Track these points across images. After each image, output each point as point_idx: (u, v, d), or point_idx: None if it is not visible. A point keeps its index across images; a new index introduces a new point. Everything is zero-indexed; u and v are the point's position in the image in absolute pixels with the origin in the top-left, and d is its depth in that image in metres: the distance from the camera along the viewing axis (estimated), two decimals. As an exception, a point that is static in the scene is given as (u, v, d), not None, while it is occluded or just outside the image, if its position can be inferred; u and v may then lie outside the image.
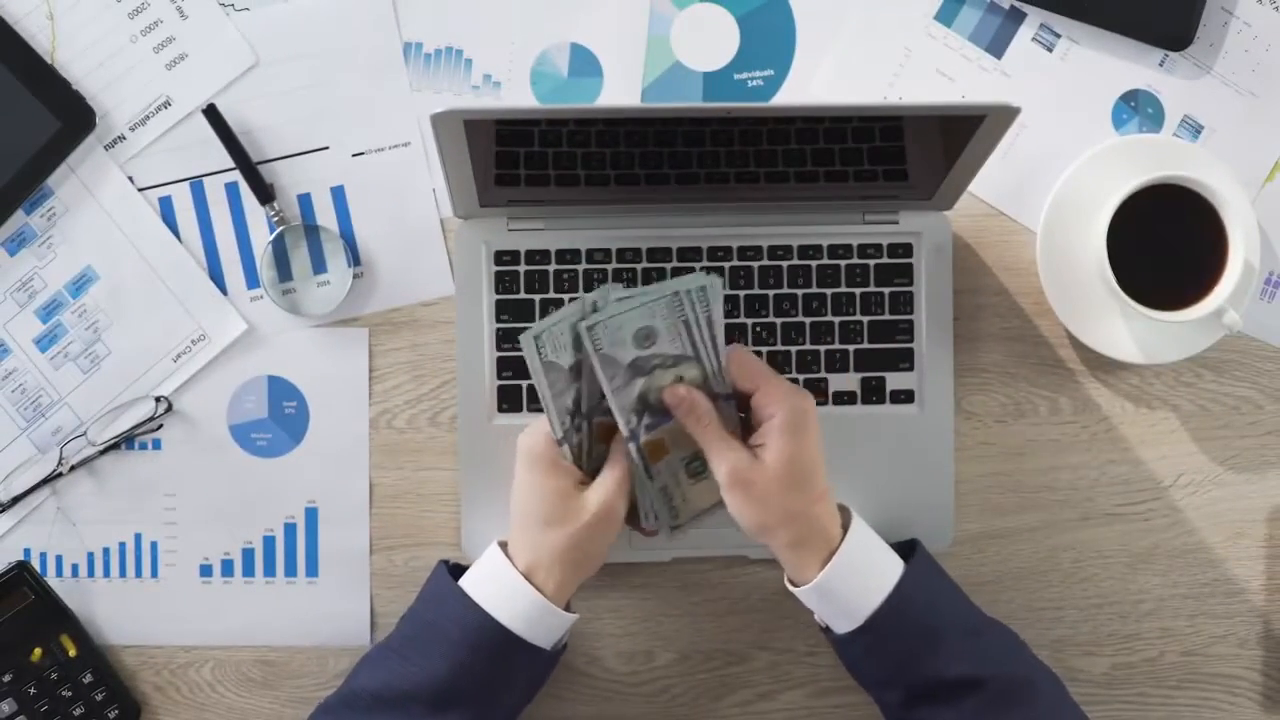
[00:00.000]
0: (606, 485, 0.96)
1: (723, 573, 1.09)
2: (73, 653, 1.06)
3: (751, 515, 0.94)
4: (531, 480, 0.96)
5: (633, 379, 0.95)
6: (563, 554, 0.95)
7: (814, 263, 1.07)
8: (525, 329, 0.93)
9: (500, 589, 0.96)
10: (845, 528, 0.96)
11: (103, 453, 1.07)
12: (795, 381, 1.06)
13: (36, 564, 1.07)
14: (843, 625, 0.96)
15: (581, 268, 1.06)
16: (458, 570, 0.99)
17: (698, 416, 0.95)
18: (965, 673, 0.95)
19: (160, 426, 1.07)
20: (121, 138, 1.07)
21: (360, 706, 0.96)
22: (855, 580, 0.95)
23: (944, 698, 0.95)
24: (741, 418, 0.97)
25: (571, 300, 0.98)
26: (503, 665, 0.95)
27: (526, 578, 0.95)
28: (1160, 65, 1.09)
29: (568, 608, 0.97)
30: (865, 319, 1.07)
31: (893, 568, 0.96)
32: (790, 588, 0.97)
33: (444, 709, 0.94)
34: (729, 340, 1.04)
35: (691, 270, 1.06)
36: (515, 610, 0.95)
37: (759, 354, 1.05)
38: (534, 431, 0.97)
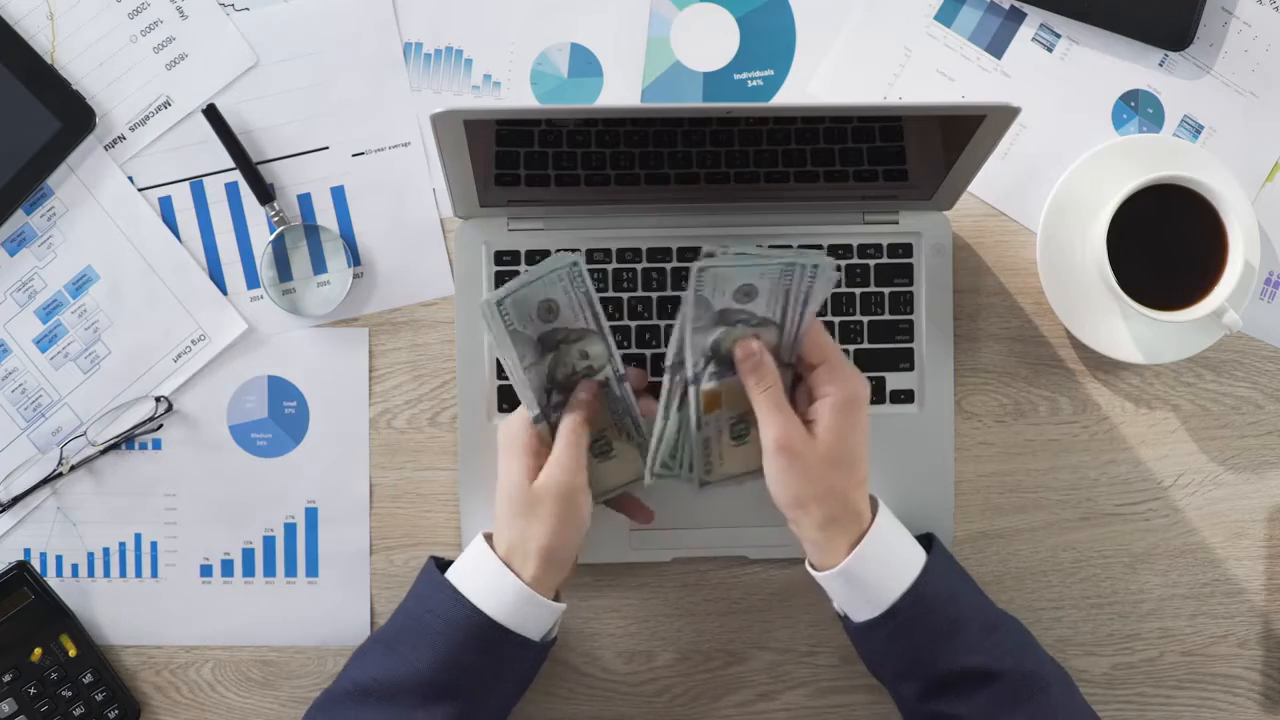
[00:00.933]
0: (552, 466, 0.96)
1: (723, 573, 1.09)
2: (73, 653, 1.06)
3: (791, 486, 0.94)
4: (505, 466, 0.97)
5: (715, 325, 0.95)
6: (534, 542, 0.95)
7: (814, 263, 1.07)
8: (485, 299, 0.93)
9: (485, 579, 0.96)
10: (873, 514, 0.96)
11: (103, 453, 1.07)
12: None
13: (36, 564, 1.07)
14: (864, 613, 0.96)
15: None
16: (448, 566, 0.99)
17: (761, 375, 0.95)
18: (981, 665, 0.95)
19: (160, 426, 1.07)
20: (121, 138, 1.07)
21: (351, 701, 0.96)
22: (880, 567, 0.95)
23: (959, 690, 0.95)
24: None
25: (529, 269, 0.97)
26: (490, 656, 0.95)
27: (508, 566, 0.95)
28: (1160, 65, 1.09)
29: (556, 598, 0.97)
30: (865, 319, 1.07)
31: (916, 557, 0.96)
32: (812, 572, 0.97)
33: (434, 702, 0.94)
34: None
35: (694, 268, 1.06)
36: (500, 600, 0.95)
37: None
38: (513, 416, 0.98)
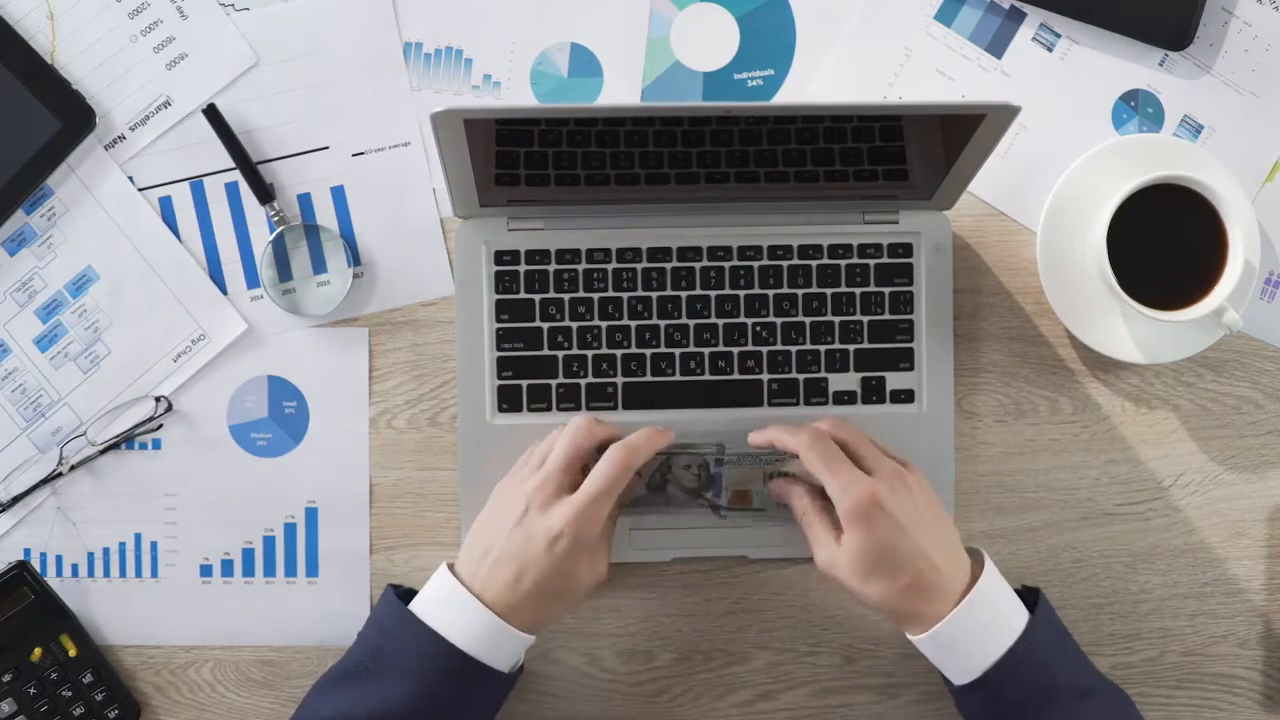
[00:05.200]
0: (599, 565, 0.97)
1: (723, 573, 1.09)
2: (73, 653, 1.06)
3: (848, 594, 0.96)
4: (563, 562, 0.95)
5: (710, 484, 1.01)
6: (549, 613, 0.97)
7: (814, 262, 1.07)
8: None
9: (456, 613, 0.95)
10: (976, 573, 0.96)
11: (103, 453, 1.07)
12: (794, 383, 1.06)
13: (36, 564, 1.07)
14: (954, 675, 0.96)
15: (581, 268, 1.06)
16: (409, 595, 0.98)
17: (790, 504, 0.98)
18: None
19: (160, 426, 1.07)
20: (121, 138, 1.07)
21: None
22: (970, 641, 0.95)
23: None
24: None
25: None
26: (460, 690, 0.95)
27: (496, 613, 0.94)
28: (1160, 65, 1.09)
29: None
30: (865, 319, 1.07)
31: (1015, 621, 0.95)
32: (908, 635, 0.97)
33: None
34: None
35: (696, 266, 1.06)
36: (472, 634, 0.94)
37: (759, 355, 1.06)
38: (591, 516, 0.95)
